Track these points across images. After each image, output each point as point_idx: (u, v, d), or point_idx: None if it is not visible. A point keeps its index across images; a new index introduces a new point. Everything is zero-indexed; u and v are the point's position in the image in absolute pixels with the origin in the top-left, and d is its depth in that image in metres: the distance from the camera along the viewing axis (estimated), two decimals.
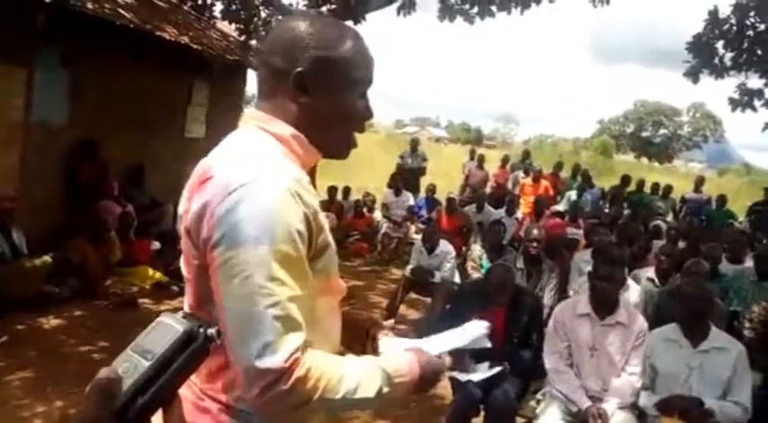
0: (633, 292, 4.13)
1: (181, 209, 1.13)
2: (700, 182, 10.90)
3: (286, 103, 1.12)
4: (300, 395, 0.97)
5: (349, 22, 8.03)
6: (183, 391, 1.05)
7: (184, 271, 1.13)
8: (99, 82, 6.31)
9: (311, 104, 1.12)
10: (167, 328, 0.65)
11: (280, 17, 8.05)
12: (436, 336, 1.38)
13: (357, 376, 1.06)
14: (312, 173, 1.24)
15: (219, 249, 0.96)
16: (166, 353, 0.63)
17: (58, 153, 6.06)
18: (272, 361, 0.94)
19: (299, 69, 1.10)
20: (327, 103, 1.13)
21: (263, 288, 0.94)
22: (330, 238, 1.13)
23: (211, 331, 0.67)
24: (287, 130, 1.11)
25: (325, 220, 1.11)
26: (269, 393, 0.95)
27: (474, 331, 1.43)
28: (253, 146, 1.08)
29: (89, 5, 5.63)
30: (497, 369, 3.38)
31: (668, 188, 10.69)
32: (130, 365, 0.62)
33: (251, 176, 0.99)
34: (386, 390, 1.08)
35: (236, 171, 1.00)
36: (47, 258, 5.08)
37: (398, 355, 1.18)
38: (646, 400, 3.14)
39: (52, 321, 4.80)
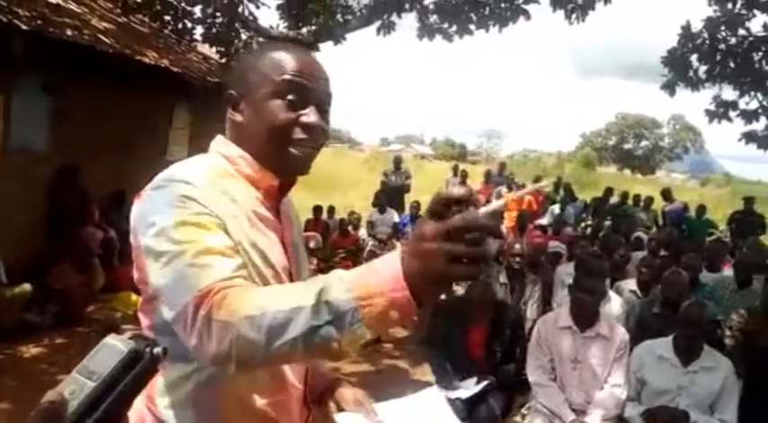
0: (615, 304, 4.16)
1: None
2: (667, 192, 11.01)
3: (230, 125, 1.18)
4: (221, 319, 0.86)
5: (329, 43, 8.13)
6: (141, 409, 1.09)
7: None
8: (79, 107, 6.29)
9: (242, 122, 1.15)
10: (112, 348, 0.65)
11: (260, 39, 8.12)
12: (390, 405, 1.30)
13: (290, 288, 0.98)
14: (279, 193, 1.20)
15: (134, 243, 1.03)
16: (112, 373, 0.63)
17: (39, 179, 6.02)
18: (189, 296, 0.91)
19: (231, 91, 1.16)
20: (252, 117, 1.14)
21: (171, 253, 0.95)
22: (260, 249, 1.09)
23: (157, 350, 0.67)
24: (235, 151, 1.15)
25: (243, 231, 1.07)
26: (195, 330, 0.89)
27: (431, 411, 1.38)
28: (188, 162, 1.13)
29: (68, 32, 5.64)
30: (484, 384, 3.39)
31: (649, 200, 10.80)
32: (76, 387, 0.62)
33: (157, 183, 1.05)
34: (339, 295, 0.81)
35: (153, 182, 1.07)
36: (26, 286, 5.02)
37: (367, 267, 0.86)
38: (632, 411, 3.16)
39: (32, 350, 4.73)
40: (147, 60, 6.69)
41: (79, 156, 6.28)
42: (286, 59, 1.13)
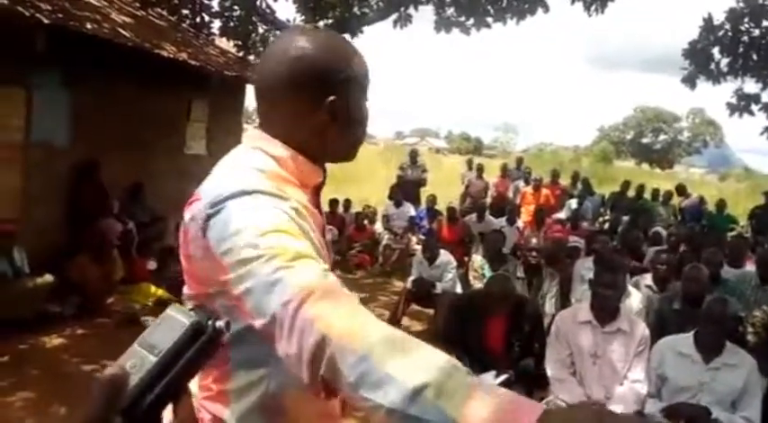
0: (635, 299, 4.12)
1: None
2: (682, 188, 10.89)
3: (304, 126, 1.10)
4: (309, 329, 0.80)
5: (346, 36, 8.11)
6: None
7: (187, 288, 1.12)
8: (99, 101, 6.35)
9: (338, 123, 1.10)
10: (174, 321, 0.63)
11: (278, 32, 8.12)
12: None
13: (399, 336, 0.80)
14: (317, 192, 1.20)
15: (225, 261, 0.94)
16: (174, 347, 0.61)
17: (59, 172, 6.09)
18: (286, 297, 0.84)
19: (332, 98, 1.07)
20: (349, 117, 1.12)
21: (263, 257, 0.89)
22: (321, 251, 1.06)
23: (220, 323, 0.64)
24: (283, 151, 1.08)
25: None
26: (294, 330, 0.82)
27: None
28: (242, 165, 1.06)
29: (88, 25, 5.69)
30: (503, 377, 3.38)
31: (668, 194, 10.67)
32: (137, 361, 0.60)
33: (232, 191, 0.97)
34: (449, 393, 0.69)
35: (218, 189, 0.99)
36: (48, 277, 5.09)
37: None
38: (652, 408, 3.13)
39: (54, 340, 4.80)
40: (165, 54, 6.72)
41: (99, 149, 6.34)
42: (362, 58, 1.15)
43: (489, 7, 7.99)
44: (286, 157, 1.08)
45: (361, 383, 0.74)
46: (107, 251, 5.71)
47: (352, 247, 8.50)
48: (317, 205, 1.18)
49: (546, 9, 7.83)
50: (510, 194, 10.74)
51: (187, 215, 1.03)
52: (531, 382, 3.51)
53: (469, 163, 12.68)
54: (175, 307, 0.65)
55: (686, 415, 2.97)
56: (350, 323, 0.79)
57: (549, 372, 3.28)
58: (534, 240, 5.26)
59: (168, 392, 0.60)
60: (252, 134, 1.14)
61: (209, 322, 0.64)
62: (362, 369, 0.74)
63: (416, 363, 0.73)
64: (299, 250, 0.90)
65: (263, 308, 0.87)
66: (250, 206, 0.96)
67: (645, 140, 53.20)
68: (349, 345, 0.76)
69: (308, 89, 1.07)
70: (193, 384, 1.08)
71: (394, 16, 8.07)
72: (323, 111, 1.08)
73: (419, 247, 6.90)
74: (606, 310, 3.23)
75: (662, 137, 53.34)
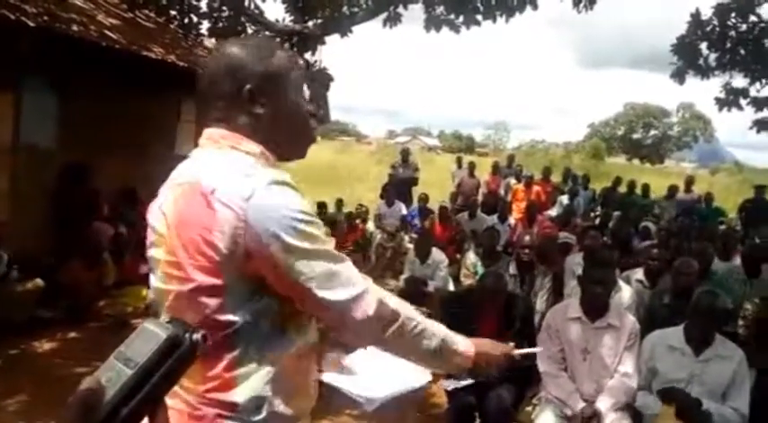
0: (625, 294, 4.14)
1: (162, 228, 1.17)
2: (690, 181, 10.96)
3: (242, 118, 1.24)
4: (384, 312, 1.18)
5: (335, 36, 8.10)
6: (174, 403, 1.09)
7: (171, 284, 1.15)
8: (87, 103, 6.31)
9: (266, 114, 1.25)
10: (151, 334, 0.63)
11: (266, 33, 8.10)
12: (368, 372, 1.71)
13: (425, 321, 1.28)
14: None
15: (274, 246, 1.09)
16: (150, 360, 0.61)
17: (48, 175, 6.05)
18: (357, 290, 1.17)
19: (248, 86, 1.23)
20: (279, 108, 1.26)
21: (326, 255, 1.16)
22: None
23: (197, 336, 0.65)
24: (254, 147, 1.22)
25: None
26: (361, 312, 1.15)
27: (414, 382, 1.69)
28: (236, 160, 1.19)
29: (74, 28, 5.65)
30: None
31: (673, 188, 10.65)
32: (113, 375, 0.60)
33: (258, 180, 1.12)
34: (442, 348, 1.30)
35: (241, 180, 1.12)
36: (38, 281, 5.06)
37: (456, 335, 1.36)
38: (643, 401, 3.15)
39: (45, 345, 4.78)
40: (153, 56, 6.69)
41: (88, 152, 6.30)
42: (294, 59, 1.31)
43: (478, 4, 7.99)
44: (258, 152, 1.23)
45: (421, 337, 1.27)
46: (98, 255, 5.68)
47: (344, 246, 8.49)
48: None
49: (534, 6, 7.84)
50: (501, 192, 10.76)
51: (207, 207, 1.11)
52: (522, 378, 3.51)
53: (459, 161, 12.69)
54: (152, 320, 0.65)
55: (679, 401, 2.99)
56: (403, 305, 1.25)
57: (540, 368, 3.29)
58: (527, 238, 5.27)
59: (144, 405, 0.61)
60: (217, 133, 1.26)
61: (186, 335, 0.64)
62: (420, 328, 1.26)
63: (435, 325, 1.32)
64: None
65: (331, 289, 1.15)
66: (291, 194, 1.13)
67: (635, 136, 53.47)
68: (410, 315, 1.25)
69: (227, 82, 1.24)
70: (187, 383, 1.11)
71: (383, 15, 8.06)
72: (243, 98, 1.23)
73: (411, 246, 6.91)
74: (595, 305, 3.24)
75: (652, 132, 53.62)
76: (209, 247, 1.09)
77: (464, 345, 1.36)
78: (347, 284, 1.16)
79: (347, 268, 1.19)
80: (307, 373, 1.27)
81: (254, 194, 1.09)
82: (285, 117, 1.27)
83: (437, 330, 1.29)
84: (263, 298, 1.13)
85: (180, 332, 0.64)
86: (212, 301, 1.11)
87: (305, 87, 1.34)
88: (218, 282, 1.10)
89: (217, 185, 1.11)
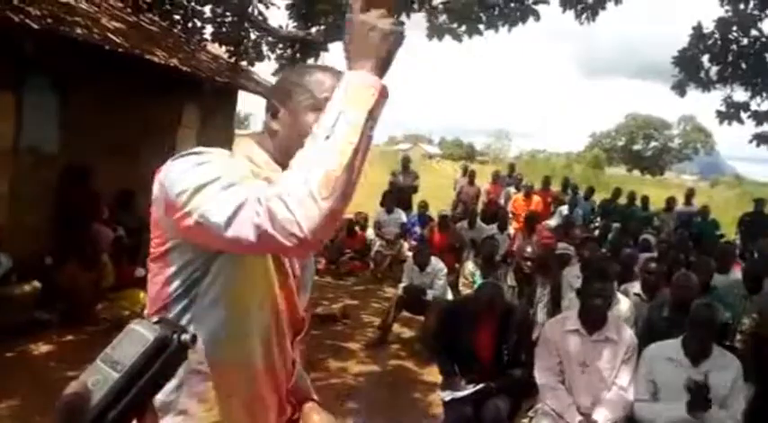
0: (624, 306, 4.14)
1: None
2: (691, 194, 10.97)
3: (264, 131, 1.31)
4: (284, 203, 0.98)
5: (338, 43, 8.12)
6: None
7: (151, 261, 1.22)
8: (89, 106, 6.32)
9: (278, 130, 1.28)
10: (138, 336, 0.61)
11: (269, 39, 8.11)
12: None
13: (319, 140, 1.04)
14: None
15: (178, 198, 1.08)
16: (137, 363, 0.60)
17: (48, 178, 6.05)
18: (234, 205, 1.00)
19: (273, 100, 1.30)
20: (289, 126, 1.26)
21: (213, 181, 1.04)
22: None
23: (185, 337, 0.63)
24: (261, 157, 1.27)
25: None
26: (263, 219, 0.97)
27: None
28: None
29: (78, 31, 5.67)
30: (481, 385, 3.41)
31: (671, 200, 10.66)
32: (100, 378, 0.59)
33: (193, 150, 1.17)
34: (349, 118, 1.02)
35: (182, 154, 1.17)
36: (36, 284, 5.05)
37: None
38: (647, 412, 3.12)
39: (42, 348, 4.76)
40: (156, 60, 6.71)
41: (89, 155, 6.31)
42: (326, 79, 1.25)
43: (481, 14, 8.02)
44: (260, 161, 1.26)
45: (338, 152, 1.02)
46: (97, 258, 5.67)
47: (343, 253, 8.49)
48: None
49: (537, 17, 7.86)
50: (501, 201, 10.76)
51: (156, 182, 1.17)
52: (519, 389, 3.50)
53: (465, 169, 12.67)
54: (139, 321, 0.63)
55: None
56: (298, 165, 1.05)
57: (538, 380, 3.29)
58: (529, 249, 5.25)
59: (132, 408, 0.59)
60: (242, 142, 1.33)
61: (174, 336, 0.62)
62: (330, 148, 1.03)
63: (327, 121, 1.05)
64: (244, 174, 1.10)
65: (224, 213, 1.00)
66: (205, 156, 1.13)
67: (636, 147, 53.58)
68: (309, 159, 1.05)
69: (270, 96, 1.32)
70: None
71: None
72: (267, 111, 1.30)
73: (410, 254, 6.91)
74: (594, 318, 3.24)
75: (653, 144, 53.74)
76: (153, 221, 1.18)
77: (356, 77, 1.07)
78: (230, 202, 1.02)
79: (234, 189, 1.04)
80: (229, 392, 1.22)
81: (170, 160, 1.16)
82: (293, 136, 1.23)
83: (331, 121, 1.03)
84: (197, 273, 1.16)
85: (168, 333, 0.62)
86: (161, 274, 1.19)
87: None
88: (164, 247, 1.18)
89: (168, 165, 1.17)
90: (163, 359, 0.61)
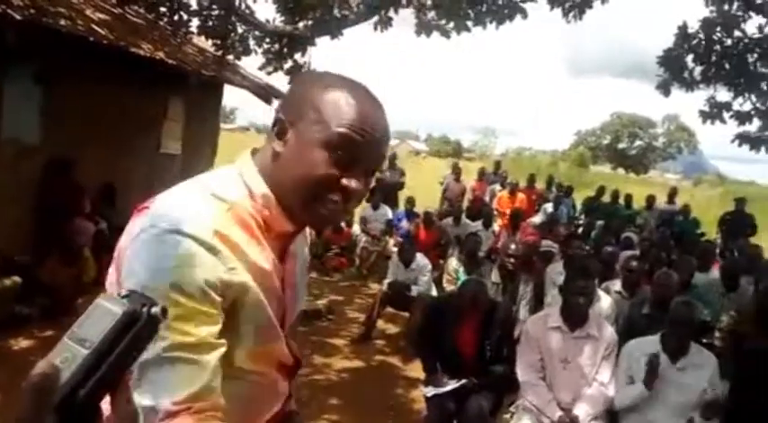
0: (605, 304, 4.18)
1: None
2: (673, 193, 11.09)
3: (266, 149, 1.06)
4: None
5: (326, 38, 8.10)
6: None
7: None
8: (73, 98, 6.25)
9: (281, 153, 1.02)
10: (105, 311, 0.58)
11: (257, 33, 8.07)
12: None
13: None
14: (286, 239, 1.11)
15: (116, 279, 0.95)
16: (106, 339, 0.57)
17: (30, 171, 5.98)
18: (158, 402, 0.86)
19: (281, 115, 1.04)
20: (293, 155, 1.01)
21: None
22: (261, 301, 1.01)
23: (155, 310, 0.60)
24: (259, 187, 1.03)
25: (253, 284, 0.99)
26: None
27: None
28: (210, 187, 1.01)
29: (62, 22, 5.59)
30: (463, 381, 3.44)
31: (651, 198, 10.80)
32: (68, 355, 0.56)
33: (170, 220, 0.93)
34: None
35: (162, 209, 0.96)
36: (16, 278, 4.99)
37: None
38: (621, 398, 3.17)
39: (22, 343, 4.71)
40: (141, 52, 6.65)
41: (72, 148, 6.24)
42: (349, 107, 0.99)
43: (469, 11, 8.03)
44: (258, 194, 1.02)
45: None
46: (78, 252, 5.61)
47: (329, 249, 8.49)
48: (283, 252, 1.10)
49: (525, 15, 7.90)
50: (486, 198, 10.81)
51: (131, 222, 0.99)
52: (501, 385, 3.54)
53: (454, 166, 12.68)
54: (106, 295, 0.61)
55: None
56: None
57: (519, 376, 3.32)
58: (513, 246, 5.29)
59: (103, 385, 0.58)
60: (244, 156, 1.08)
61: (144, 309, 0.60)
62: None
63: None
64: (199, 336, 0.89)
65: (141, 390, 0.85)
66: (166, 251, 0.90)
67: (621, 146, 53.99)
68: None
69: (280, 109, 1.06)
70: None
71: (374, 19, 8.08)
72: (273, 132, 1.04)
73: (396, 250, 6.93)
74: (576, 316, 3.27)
75: (637, 142, 54.21)
76: (114, 266, 1.01)
77: None
78: (160, 388, 0.86)
79: (184, 366, 0.88)
80: None
81: (142, 234, 0.93)
82: (293, 169, 1.01)
83: None
84: None
85: (137, 307, 0.59)
86: None
87: (360, 156, 1.00)
88: None
89: (150, 203, 0.99)
90: (132, 334, 0.59)
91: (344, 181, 0.99)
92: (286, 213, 1.04)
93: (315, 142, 0.98)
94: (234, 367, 1.01)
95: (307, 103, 1.01)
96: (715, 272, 5.26)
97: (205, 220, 0.94)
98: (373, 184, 10.67)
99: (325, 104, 0.99)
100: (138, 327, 0.59)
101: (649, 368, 3.03)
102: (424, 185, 13.58)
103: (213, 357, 0.91)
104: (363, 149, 0.99)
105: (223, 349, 0.93)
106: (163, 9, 7.92)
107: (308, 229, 1.24)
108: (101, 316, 0.58)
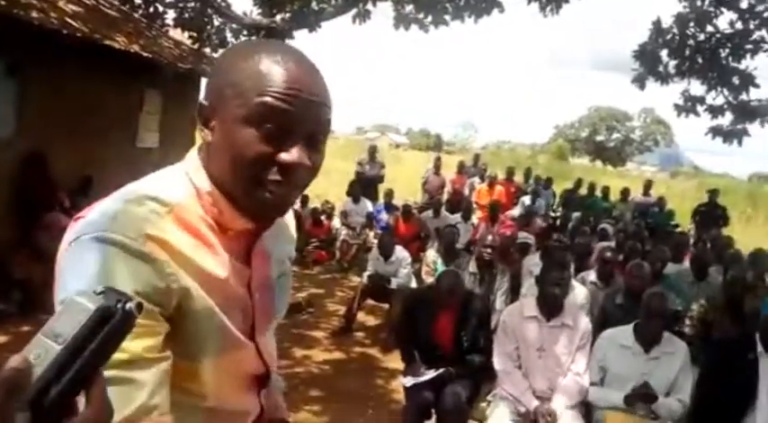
0: (579, 294, 4.26)
1: None
2: (648, 185, 11.26)
3: (202, 142, 0.96)
4: None
5: (304, 31, 8.07)
6: None
7: None
8: (47, 92, 6.15)
9: (212, 143, 0.92)
10: (79, 307, 0.58)
11: (233, 26, 8.01)
12: None
13: None
14: (247, 238, 0.99)
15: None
16: (79, 334, 0.57)
17: (3, 165, 5.88)
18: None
19: (203, 100, 0.93)
20: (220, 142, 0.90)
21: None
22: (210, 308, 0.91)
23: (130, 305, 0.59)
24: (204, 183, 0.93)
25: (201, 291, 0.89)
26: None
27: None
28: (151, 190, 0.91)
29: (34, 14, 5.50)
30: (441, 371, 3.48)
31: (625, 191, 10.96)
32: (41, 351, 0.56)
33: (97, 227, 0.84)
34: None
35: (92, 217, 0.87)
36: None
37: None
38: (596, 395, 3.25)
39: None
40: (116, 45, 6.56)
41: (46, 140, 6.15)
42: (269, 73, 0.86)
43: (447, 5, 8.06)
44: (203, 192, 0.93)
45: None
46: (51, 246, 5.54)
47: (309, 242, 8.49)
48: (246, 254, 0.99)
49: (501, 9, 7.94)
50: (466, 191, 10.88)
51: (65, 236, 0.89)
52: (478, 375, 3.59)
53: (437, 160, 12.62)
54: (81, 291, 0.61)
55: (640, 396, 3.13)
56: None
57: (496, 365, 3.37)
58: (490, 237, 5.35)
59: (77, 382, 0.57)
60: (191, 152, 0.99)
61: (119, 305, 0.60)
62: None
63: None
64: (133, 351, 0.79)
65: None
66: (89, 261, 0.82)
67: (599, 138, 54.57)
68: None
69: (204, 95, 0.95)
70: None
71: (353, 12, 8.06)
72: (199, 122, 0.94)
73: (376, 243, 6.95)
74: (552, 305, 3.33)
75: (615, 135, 54.81)
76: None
77: None
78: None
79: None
80: None
81: (69, 245, 0.86)
82: (223, 154, 0.90)
83: None
84: None
85: (111, 303, 0.59)
86: None
87: (294, 125, 0.88)
88: None
89: (86, 212, 0.90)
90: (107, 330, 0.58)
91: (282, 156, 0.87)
92: (237, 209, 0.93)
93: (238, 120, 0.87)
94: (192, 392, 0.94)
95: (224, 80, 0.89)
96: (687, 262, 5.38)
97: (136, 225, 0.84)
98: (353, 176, 10.70)
99: (241, 76, 0.87)
100: (112, 323, 0.59)
101: (641, 395, 3.10)
102: (404, 178, 13.62)
103: (151, 373, 0.81)
104: (294, 117, 0.87)
105: (166, 363, 0.84)
106: (138, 1, 7.84)
107: (292, 224, 1.19)
108: (75, 312, 0.58)
